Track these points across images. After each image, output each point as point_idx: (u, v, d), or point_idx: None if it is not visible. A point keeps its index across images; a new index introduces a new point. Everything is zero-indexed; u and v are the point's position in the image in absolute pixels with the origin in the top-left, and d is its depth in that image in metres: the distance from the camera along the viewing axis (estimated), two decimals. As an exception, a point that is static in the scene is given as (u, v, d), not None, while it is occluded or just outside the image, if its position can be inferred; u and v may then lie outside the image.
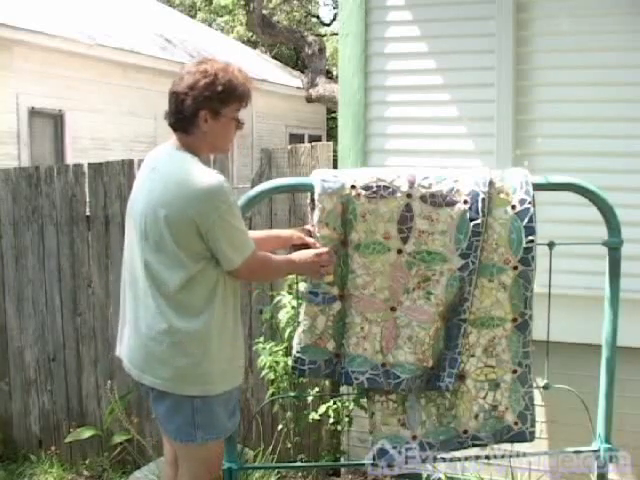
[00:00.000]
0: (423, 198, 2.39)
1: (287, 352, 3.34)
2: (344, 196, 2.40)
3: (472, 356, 2.48)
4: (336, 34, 12.73)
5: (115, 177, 4.04)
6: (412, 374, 2.44)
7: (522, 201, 2.40)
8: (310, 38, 10.68)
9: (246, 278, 2.48)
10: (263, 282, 2.51)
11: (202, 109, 2.23)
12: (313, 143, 3.97)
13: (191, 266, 2.21)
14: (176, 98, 2.25)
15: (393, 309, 2.44)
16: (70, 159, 8.36)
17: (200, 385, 2.28)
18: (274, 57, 17.38)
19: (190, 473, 2.40)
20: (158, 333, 2.25)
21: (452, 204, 2.39)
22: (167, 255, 2.22)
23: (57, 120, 8.88)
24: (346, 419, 3.55)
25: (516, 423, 2.51)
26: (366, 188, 2.40)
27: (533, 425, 2.52)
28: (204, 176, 2.21)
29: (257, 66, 13.69)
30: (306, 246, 2.46)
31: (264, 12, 11.24)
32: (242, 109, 2.35)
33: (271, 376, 3.44)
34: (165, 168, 2.26)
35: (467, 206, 2.38)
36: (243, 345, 2.45)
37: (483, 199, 2.38)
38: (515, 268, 2.42)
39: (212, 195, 2.18)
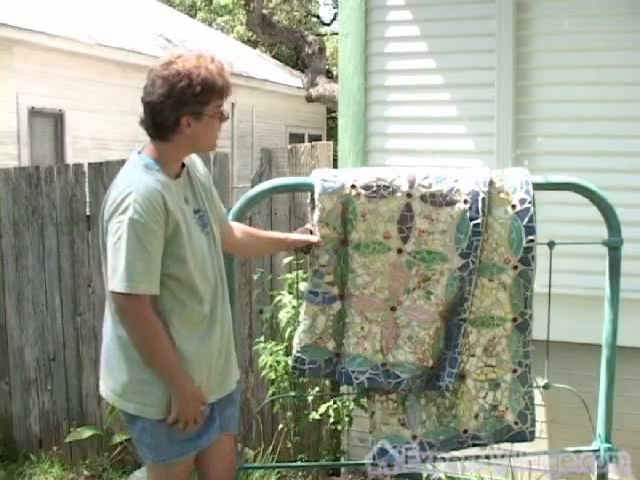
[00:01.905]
0: (423, 198, 2.39)
1: (287, 352, 3.34)
2: (344, 196, 2.39)
3: (472, 356, 2.48)
4: (336, 34, 12.74)
5: (115, 177, 4.03)
6: (412, 374, 2.44)
7: (522, 201, 2.40)
8: (310, 38, 10.70)
9: (117, 313, 2.09)
10: (130, 335, 2.08)
11: (183, 115, 2.07)
12: (313, 143, 3.97)
13: None
14: (152, 109, 2.07)
15: (393, 309, 2.44)
16: (70, 159, 8.36)
17: (141, 405, 2.14)
18: (274, 57, 17.37)
19: None
20: (110, 341, 2.18)
21: (452, 204, 2.39)
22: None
23: (57, 120, 8.88)
24: (346, 419, 3.55)
25: (516, 423, 2.51)
26: (366, 188, 2.39)
27: (533, 425, 2.52)
28: (130, 182, 2.05)
29: (257, 66, 13.70)
30: (309, 247, 2.45)
31: (264, 12, 11.24)
32: (224, 102, 2.15)
33: (272, 376, 3.44)
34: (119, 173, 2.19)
35: (467, 206, 2.38)
36: (205, 375, 2.20)
37: (483, 199, 2.38)
38: (515, 268, 2.41)
39: (122, 200, 2.02)
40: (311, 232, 2.45)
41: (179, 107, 2.06)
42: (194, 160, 2.30)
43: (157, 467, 2.25)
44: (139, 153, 2.17)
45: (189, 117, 2.08)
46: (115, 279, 2.01)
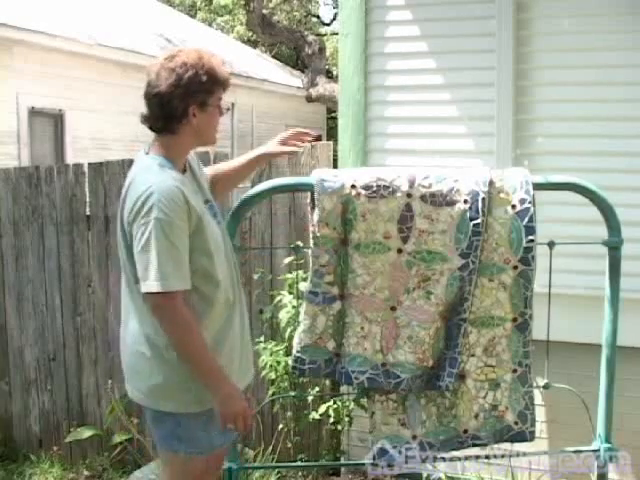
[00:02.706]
0: (423, 198, 2.39)
1: (288, 352, 3.34)
2: (344, 196, 2.39)
3: (472, 356, 2.48)
4: (336, 34, 12.74)
5: (115, 177, 4.04)
6: (412, 374, 2.44)
7: (522, 201, 2.40)
8: (310, 38, 10.70)
9: (154, 313, 2.09)
10: (169, 334, 2.09)
11: (191, 105, 2.12)
12: (313, 143, 3.97)
13: None
14: (160, 100, 2.10)
15: (393, 309, 2.44)
16: (70, 159, 8.36)
17: (176, 401, 2.18)
18: (274, 57, 17.37)
19: None
20: (137, 342, 2.19)
21: (452, 204, 2.39)
22: (133, 263, 2.10)
23: (57, 120, 8.89)
24: (346, 419, 3.55)
25: (516, 423, 2.51)
26: (366, 188, 2.39)
27: (533, 425, 2.52)
28: (150, 183, 2.06)
29: (257, 66, 13.70)
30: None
31: (264, 12, 11.24)
32: (223, 94, 2.20)
33: (272, 376, 3.44)
34: (130, 173, 2.21)
35: (467, 206, 2.38)
36: (236, 363, 2.25)
37: (483, 199, 2.38)
38: (515, 268, 2.41)
39: (144, 201, 2.03)
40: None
41: (187, 97, 2.11)
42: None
43: (180, 460, 2.25)
44: (147, 154, 2.19)
45: (195, 107, 2.13)
46: (148, 280, 2.02)
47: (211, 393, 2.13)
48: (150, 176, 2.09)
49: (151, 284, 2.02)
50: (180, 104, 2.11)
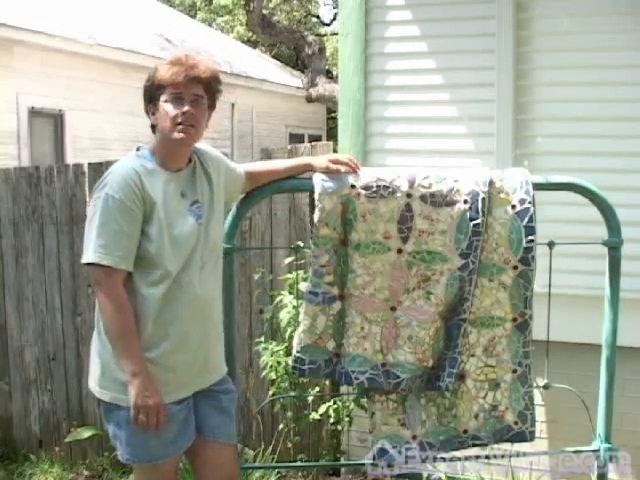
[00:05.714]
0: (423, 198, 2.39)
1: (288, 352, 3.34)
2: (344, 196, 2.39)
3: (472, 356, 2.48)
4: (336, 34, 12.73)
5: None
6: (412, 374, 2.44)
7: (522, 201, 2.40)
8: (310, 38, 10.71)
9: (94, 288, 2.22)
10: (101, 311, 2.24)
11: (147, 105, 2.22)
12: (313, 143, 3.97)
13: None
14: None
15: (393, 309, 2.44)
16: (70, 159, 8.36)
17: (113, 392, 2.14)
18: (274, 57, 17.37)
19: None
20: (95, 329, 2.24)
21: (452, 204, 2.39)
22: None
23: (57, 120, 8.88)
24: (346, 419, 3.55)
25: (516, 423, 2.51)
26: (366, 188, 2.39)
27: (533, 425, 2.52)
28: (116, 164, 2.17)
29: (257, 66, 13.70)
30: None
31: (264, 12, 11.25)
32: (173, 94, 2.15)
33: (272, 376, 3.44)
34: None
35: (467, 206, 2.38)
36: (181, 359, 2.18)
37: (483, 199, 2.38)
38: (515, 268, 2.41)
39: (102, 180, 2.13)
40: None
41: (145, 100, 2.23)
42: (204, 153, 2.32)
43: (140, 467, 2.23)
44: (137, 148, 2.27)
45: (150, 107, 2.21)
46: (86, 251, 2.08)
47: (128, 382, 2.07)
48: (121, 161, 2.18)
49: (87, 255, 2.07)
50: (145, 107, 2.23)
